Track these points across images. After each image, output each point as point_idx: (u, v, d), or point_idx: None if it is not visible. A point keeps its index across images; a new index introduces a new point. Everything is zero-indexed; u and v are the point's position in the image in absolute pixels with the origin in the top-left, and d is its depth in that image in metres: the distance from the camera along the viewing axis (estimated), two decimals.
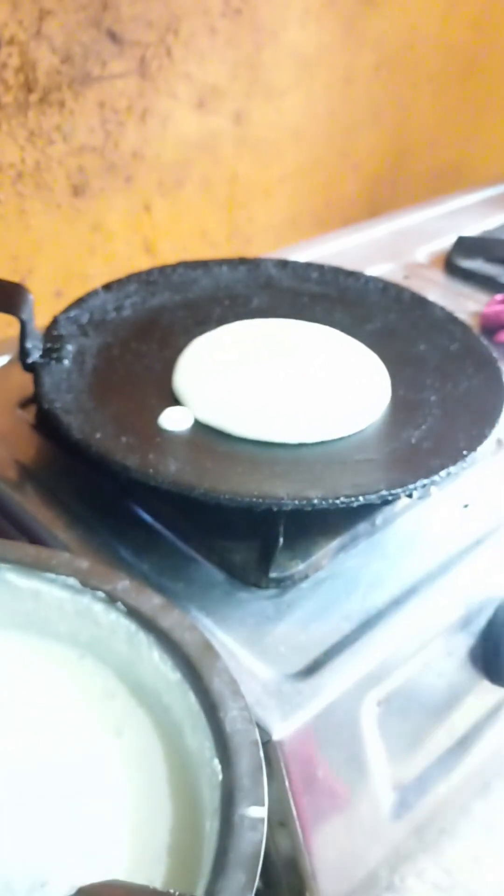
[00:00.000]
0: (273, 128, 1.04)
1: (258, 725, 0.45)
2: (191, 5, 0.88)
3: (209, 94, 0.95)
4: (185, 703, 0.46)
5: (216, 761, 0.42)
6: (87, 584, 0.49)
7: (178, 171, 0.97)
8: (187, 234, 1.02)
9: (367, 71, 1.13)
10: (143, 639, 0.48)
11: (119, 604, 0.49)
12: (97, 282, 0.76)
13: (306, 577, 0.54)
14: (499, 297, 0.87)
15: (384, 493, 0.53)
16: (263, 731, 0.45)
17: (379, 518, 0.58)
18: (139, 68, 0.87)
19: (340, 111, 1.12)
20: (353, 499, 0.52)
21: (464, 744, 0.57)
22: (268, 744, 0.45)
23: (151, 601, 0.49)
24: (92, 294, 0.72)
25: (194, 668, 0.46)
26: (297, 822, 0.46)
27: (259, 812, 0.39)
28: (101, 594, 0.49)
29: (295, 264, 0.80)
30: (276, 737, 0.45)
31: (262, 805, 0.39)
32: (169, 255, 1.00)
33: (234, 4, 0.92)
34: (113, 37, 0.83)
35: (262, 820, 0.39)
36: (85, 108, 0.84)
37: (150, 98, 0.89)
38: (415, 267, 0.96)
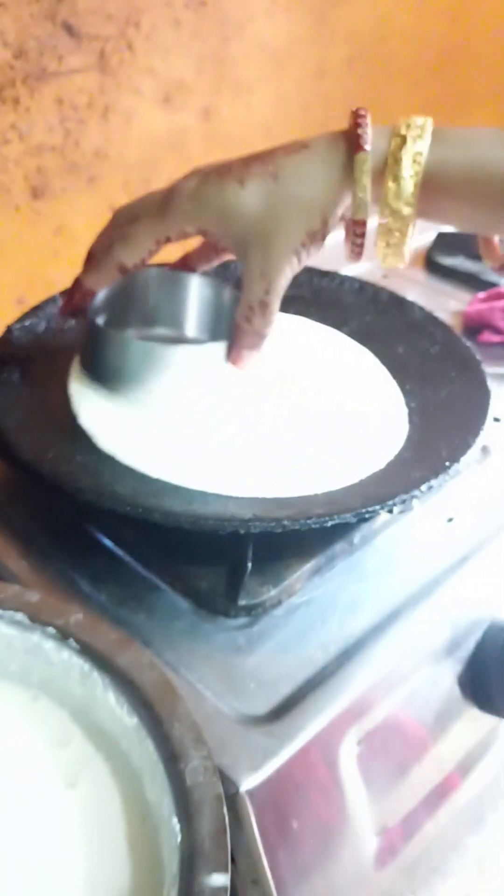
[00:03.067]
0: (243, 124, 1.00)
1: (224, 775, 0.41)
2: None
3: (175, 89, 0.91)
4: (143, 750, 0.42)
5: (175, 819, 0.37)
6: (38, 619, 0.45)
7: (145, 169, 0.93)
8: None
9: (339, 64, 1.09)
10: (97, 679, 0.44)
11: (71, 640, 0.45)
12: (62, 288, 0.71)
13: (279, 603, 0.50)
14: (481, 294, 0.83)
15: (360, 510, 0.49)
16: (230, 782, 0.41)
17: (357, 536, 0.54)
18: (99, 63, 0.83)
19: (313, 106, 1.09)
20: (326, 518, 0.48)
21: (454, 778, 0.53)
22: (235, 796, 0.41)
23: (107, 636, 0.45)
24: (49, 301, 0.68)
25: (153, 712, 0.42)
26: (271, 880, 0.41)
27: (221, 880, 0.35)
28: (51, 630, 0.45)
29: None
30: (243, 788, 0.41)
31: (225, 872, 0.35)
32: None
33: None
34: (70, 30, 0.79)
35: (225, 889, 0.35)
36: (42, 106, 0.80)
37: (112, 94, 0.85)
38: None
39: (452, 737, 0.52)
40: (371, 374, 0.64)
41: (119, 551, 0.53)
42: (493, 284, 0.86)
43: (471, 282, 0.88)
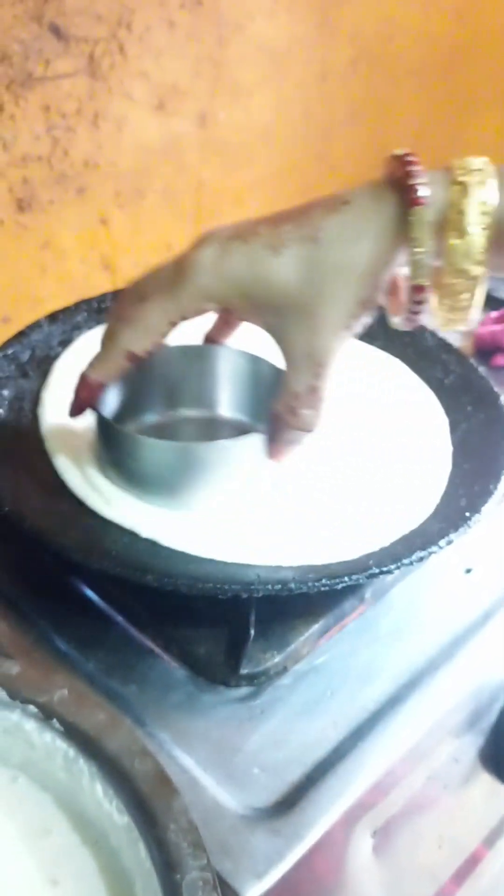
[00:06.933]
0: (241, 129, 0.95)
1: (224, 882, 0.37)
2: None
3: (169, 94, 0.86)
4: (134, 853, 0.37)
5: None
6: (17, 695, 0.41)
7: (138, 179, 0.88)
8: (150, 248, 0.93)
9: (343, 66, 1.04)
10: (83, 767, 0.40)
11: (55, 721, 0.41)
12: (50, 305, 0.67)
13: (284, 670, 0.46)
14: (493, 314, 0.78)
15: (373, 570, 0.44)
16: (231, 892, 0.36)
17: (368, 591, 0.50)
18: (88, 67, 0.78)
19: (315, 110, 1.04)
20: (336, 580, 0.44)
21: (476, 859, 0.48)
22: None
23: (95, 716, 0.41)
24: (34, 326, 0.63)
25: (146, 810, 0.37)
26: None
27: None
28: (33, 709, 0.41)
29: None
30: None
31: None
32: (130, 271, 0.91)
33: None
34: (57, 32, 0.74)
35: None
36: (28, 113, 0.75)
37: (103, 100, 0.80)
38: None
39: (474, 817, 0.48)
40: (412, 407, 0.59)
41: (109, 610, 0.49)
42: None
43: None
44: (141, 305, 0.44)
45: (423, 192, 0.40)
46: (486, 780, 0.49)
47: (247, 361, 0.53)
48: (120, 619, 0.48)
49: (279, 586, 0.43)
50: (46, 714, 0.41)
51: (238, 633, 0.45)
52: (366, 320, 0.43)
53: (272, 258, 0.41)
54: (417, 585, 0.52)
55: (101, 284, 0.88)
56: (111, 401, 0.51)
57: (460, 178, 0.39)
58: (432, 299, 0.42)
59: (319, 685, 0.46)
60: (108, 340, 0.46)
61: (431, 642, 0.48)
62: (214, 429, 0.55)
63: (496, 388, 0.60)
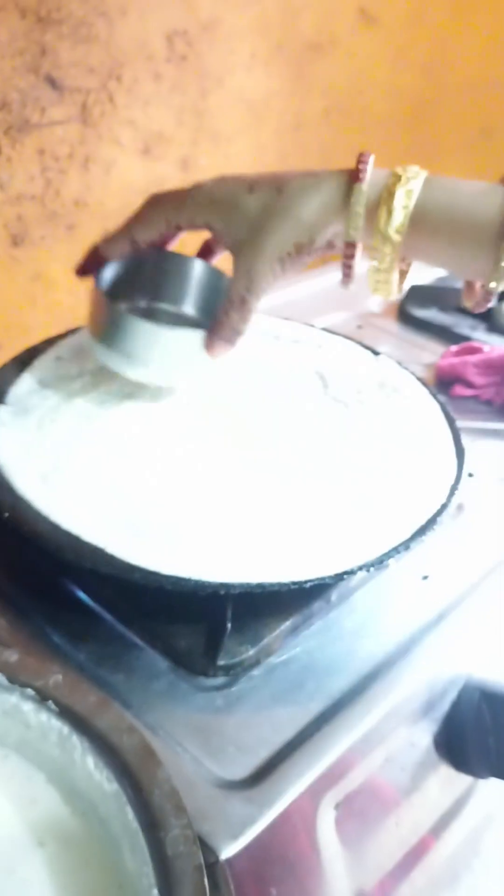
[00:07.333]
0: (220, 173, 1.01)
1: (203, 843, 0.41)
2: (134, 51, 0.85)
3: (154, 140, 0.92)
4: (122, 817, 0.41)
5: (156, 891, 0.37)
6: (16, 679, 0.45)
7: (124, 217, 0.93)
8: None
9: (316, 116, 1.11)
10: (76, 743, 0.44)
11: (50, 702, 0.45)
12: (39, 333, 0.71)
13: (257, 663, 0.50)
14: (453, 348, 0.84)
15: (339, 571, 0.49)
16: (209, 851, 0.41)
17: (334, 594, 0.55)
18: (80, 115, 0.84)
19: (290, 156, 1.11)
20: (304, 580, 0.48)
21: (428, 839, 0.53)
22: (215, 865, 0.40)
23: (87, 699, 0.45)
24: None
25: (133, 778, 0.42)
26: None
27: None
28: (30, 692, 0.45)
29: None
30: (223, 857, 0.40)
31: None
32: None
33: (178, 50, 0.89)
34: (52, 83, 0.80)
35: None
36: (23, 156, 0.80)
37: (93, 145, 0.86)
38: (368, 316, 0.93)
39: (428, 798, 0.52)
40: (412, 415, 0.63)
41: (97, 608, 0.53)
42: (465, 338, 0.88)
43: (443, 334, 0.90)
44: (153, 208, 0.57)
45: (366, 176, 0.51)
46: (442, 768, 0.54)
47: (213, 273, 0.63)
48: (108, 616, 0.53)
49: (253, 584, 0.48)
50: (43, 696, 0.44)
51: (216, 628, 0.50)
52: (297, 264, 0.54)
53: (247, 195, 0.54)
54: (378, 590, 0.57)
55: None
56: (109, 280, 0.60)
57: (398, 173, 0.51)
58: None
59: (289, 676, 0.50)
60: (122, 227, 0.58)
61: (390, 640, 0.53)
62: (176, 320, 0.65)
63: (455, 416, 0.65)
